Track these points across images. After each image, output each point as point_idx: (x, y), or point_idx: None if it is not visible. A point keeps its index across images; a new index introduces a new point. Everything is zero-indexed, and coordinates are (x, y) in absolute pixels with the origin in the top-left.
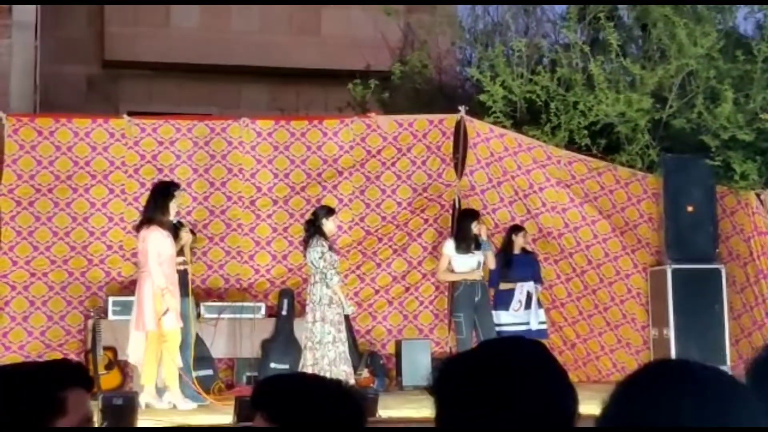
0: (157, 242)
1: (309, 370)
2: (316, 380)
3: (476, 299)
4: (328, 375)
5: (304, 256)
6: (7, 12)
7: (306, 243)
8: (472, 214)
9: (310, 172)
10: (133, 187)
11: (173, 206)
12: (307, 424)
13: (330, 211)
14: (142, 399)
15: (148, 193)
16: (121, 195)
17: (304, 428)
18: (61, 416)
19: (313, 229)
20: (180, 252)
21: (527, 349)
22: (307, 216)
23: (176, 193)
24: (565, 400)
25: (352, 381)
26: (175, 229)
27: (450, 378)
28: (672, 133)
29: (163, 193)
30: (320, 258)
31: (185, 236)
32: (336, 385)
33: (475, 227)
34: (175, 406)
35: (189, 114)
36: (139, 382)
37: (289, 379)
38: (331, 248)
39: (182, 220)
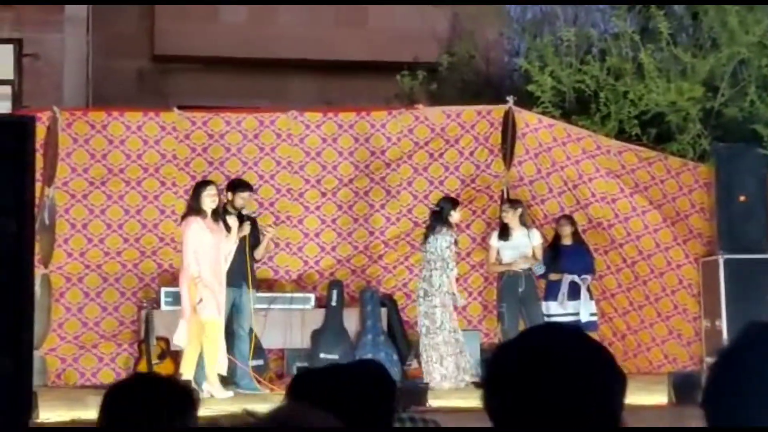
0: (192, 233)
1: (426, 354)
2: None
3: (520, 290)
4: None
5: (426, 242)
6: (59, 7)
7: (430, 230)
8: (503, 202)
9: (358, 164)
10: (184, 179)
11: (207, 199)
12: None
13: (455, 203)
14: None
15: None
16: (173, 188)
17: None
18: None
19: (441, 220)
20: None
21: (572, 336)
22: (430, 209)
23: (207, 188)
24: (613, 387)
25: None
26: (240, 221)
27: (496, 368)
28: (724, 122)
29: (196, 187)
30: (448, 247)
31: (246, 228)
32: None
33: (502, 213)
34: (212, 395)
35: (238, 107)
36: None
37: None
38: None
39: (248, 213)
